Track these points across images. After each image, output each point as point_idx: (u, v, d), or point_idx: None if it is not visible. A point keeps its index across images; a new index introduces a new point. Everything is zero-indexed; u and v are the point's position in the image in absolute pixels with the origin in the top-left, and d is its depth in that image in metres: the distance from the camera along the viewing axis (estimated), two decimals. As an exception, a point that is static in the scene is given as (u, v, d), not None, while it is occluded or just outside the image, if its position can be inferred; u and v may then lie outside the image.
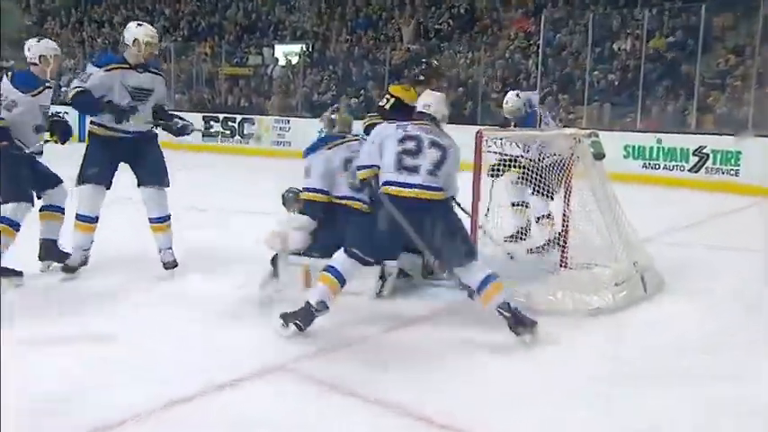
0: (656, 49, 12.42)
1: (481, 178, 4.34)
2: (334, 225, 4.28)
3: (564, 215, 4.87)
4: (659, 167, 10.78)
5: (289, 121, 15.07)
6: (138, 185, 4.70)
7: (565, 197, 4.87)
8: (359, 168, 3.92)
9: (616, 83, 12.64)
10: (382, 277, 4.34)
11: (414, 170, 3.73)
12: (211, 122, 15.69)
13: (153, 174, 4.67)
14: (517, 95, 5.95)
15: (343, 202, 4.34)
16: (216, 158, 13.65)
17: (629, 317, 4.19)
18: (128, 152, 4.61)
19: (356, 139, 4.49)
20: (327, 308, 3.65)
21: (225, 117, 15.72)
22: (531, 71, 13.87)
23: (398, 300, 4.35)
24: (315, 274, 4.07)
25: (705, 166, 10.36)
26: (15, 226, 4.41)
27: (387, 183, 3.77)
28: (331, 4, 18.80)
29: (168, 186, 4.72)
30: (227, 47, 18.33)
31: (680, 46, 12.21)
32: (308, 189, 4.37)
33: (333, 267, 3.71)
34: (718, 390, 3.14)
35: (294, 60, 17.41)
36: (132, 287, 4.47)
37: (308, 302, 3.63)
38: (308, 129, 14.30)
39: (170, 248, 4.72)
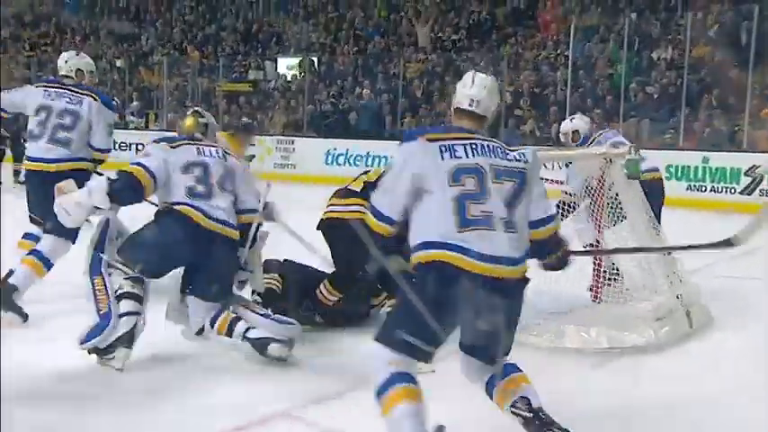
0: (701, 58, 12.47)
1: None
2: (167, 236, 3.80)
3: (597, 242, 4.89)
4: (706, 189, 10.78)
5: (293, 141, 15.11)
6: None
7: (596, 223, 4.88)
8: (374, 214, 2.83)
9: (656, 96, 12.68)
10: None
11: (487, 223, 2.69)
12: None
13: None
14: (571, 120, 5.88)
15: (178, 208, 3.79)
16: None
17: (671, 356, 4.16)
18: None
19: (211, 146, 4.10)
20: None
21: (222, 137, 15.81)
22: (558, 84, 13.95)
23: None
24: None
25: (759, 188, 10.33)
26: (48, 265, 4.54)
27: (441, 245, 2.67)
28: (338, 10, 19.10)
29: None
30: (224, 60, 18.59)
31: (729, 54, 12.24)
32: (138, 164, 3.81)
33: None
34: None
35: (298, 74, 17.61)
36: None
37: None
38: (314, 149, 14.46)
39: None
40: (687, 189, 10.88)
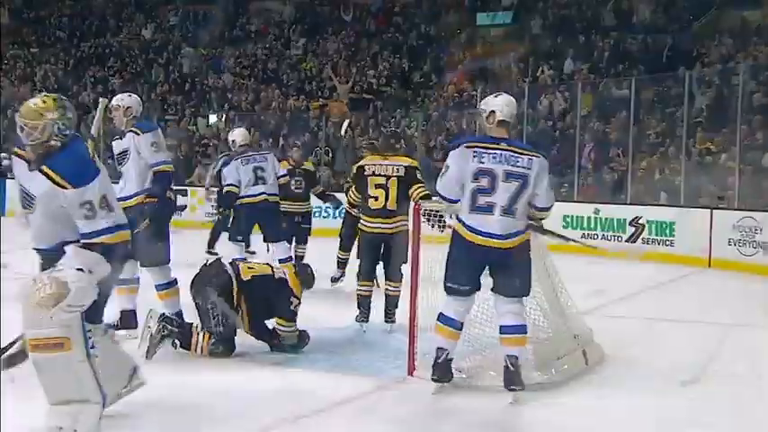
0: (593, 126, 12.97)
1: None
2: None
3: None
4: (598, 237, 11.06)
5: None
6: None
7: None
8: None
9: (554, 152, 13.08)
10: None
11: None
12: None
13: None
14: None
15: None
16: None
17: (569, 392, 4.22)
18: None
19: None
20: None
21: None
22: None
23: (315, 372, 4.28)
24: None
25: (641, 236, 10.68)
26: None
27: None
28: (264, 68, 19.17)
29: None
30: (169, 117, 18.19)
31: (614, 122, 12.77)
32: None
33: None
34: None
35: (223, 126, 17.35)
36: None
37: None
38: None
39: None
40: (581, 236, 11.13)
